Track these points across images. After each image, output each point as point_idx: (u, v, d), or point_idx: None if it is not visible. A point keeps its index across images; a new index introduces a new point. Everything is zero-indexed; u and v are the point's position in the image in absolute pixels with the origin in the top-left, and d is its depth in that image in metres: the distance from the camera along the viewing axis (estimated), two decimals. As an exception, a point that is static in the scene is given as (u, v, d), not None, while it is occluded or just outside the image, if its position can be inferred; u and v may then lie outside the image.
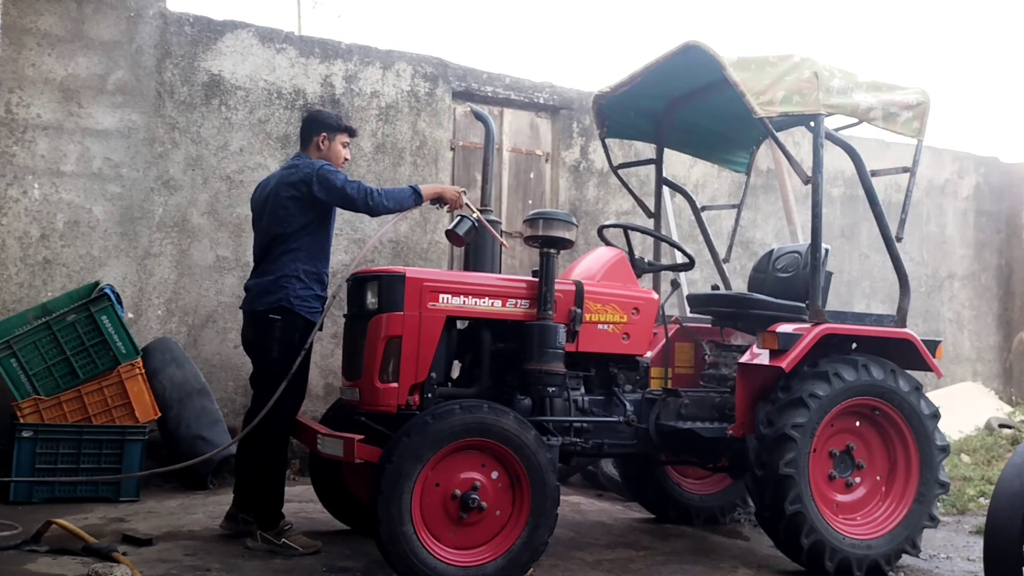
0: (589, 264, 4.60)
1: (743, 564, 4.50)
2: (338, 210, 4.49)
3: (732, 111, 4.94)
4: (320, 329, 4.29)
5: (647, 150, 7.13)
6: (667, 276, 5.74)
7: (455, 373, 4.44)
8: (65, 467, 5.12)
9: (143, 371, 5.38)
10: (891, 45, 22.67)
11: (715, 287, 5.61)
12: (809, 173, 4.52)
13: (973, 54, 22.99)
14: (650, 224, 5.75)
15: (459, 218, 4.34)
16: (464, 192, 4.47)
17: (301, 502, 5.22)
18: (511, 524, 3.78)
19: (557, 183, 7.65)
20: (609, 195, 7.81)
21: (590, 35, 21.87)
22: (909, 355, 4.61)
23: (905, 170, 4.85)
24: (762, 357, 4.45)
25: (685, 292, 5.96)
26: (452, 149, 7.28)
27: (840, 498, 4.48)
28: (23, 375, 5.17)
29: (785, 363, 4.30)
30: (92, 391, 5.26)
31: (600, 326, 4.34)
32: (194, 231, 6.31)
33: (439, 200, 4.43)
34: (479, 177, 5.08)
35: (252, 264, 4.53)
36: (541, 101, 7.58)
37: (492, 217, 4.61)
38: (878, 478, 4.55)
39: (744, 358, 4.57)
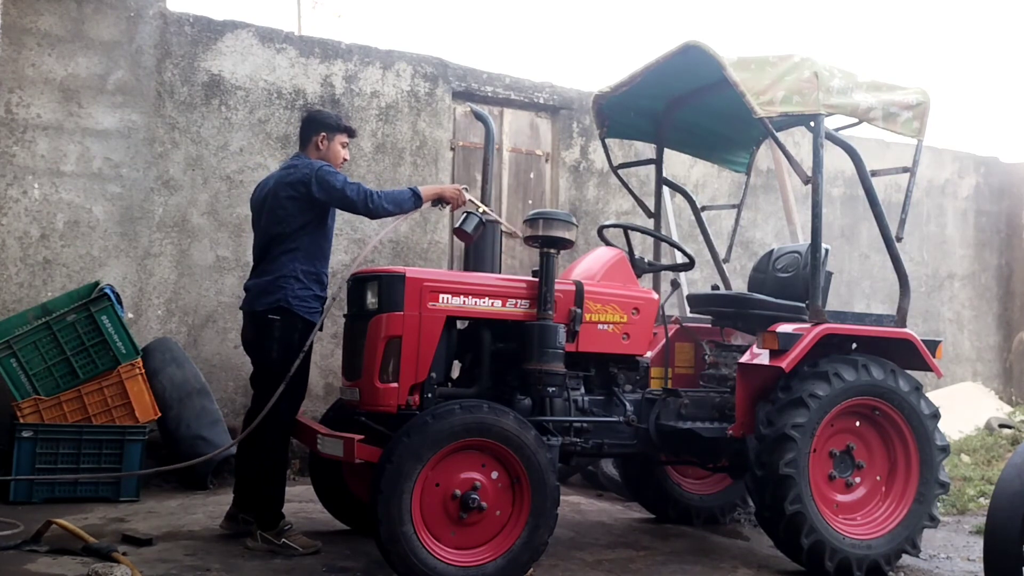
0: (589, 264, 4.60)
1: (743, 564, 4.50)
2: (338, 210, 4.49)
3: (732, 111, 4.95)
4: (320, 329, 4.29)
5: (647, 150, 7.13)
6: (667, 276, 5.74)
7: (455, 373, 4.44)
8: (65, 467, 5.12)
9: (143, 371, 5.38)
10: (891, 45, 22.68)
11: (715, 287, 5.61)
12: (809, 173, 4.52)
13: (973, 54, 23.00)
14: (650, 224, 5.75)
15: (465, 215, 4.33)
16: (466, 189, 4.47)
17: (301, 502, 5.22)
18: (511, 524, 3.78)
19: (557, 183, 7.65)
20: (609, 195, 7.81)
21: (590, 35, 21.88)
22: (909, 355, 4.61)
23: (905, 170, 4.85)
24: (762, 357, 4.45)
25: (685, 292, 5.96)
26: (452, 149, 7.28)
27: (840, 498, 4.48)
28: (23, 375, 5.17)
29: (785, 363, 4.30)
30: (92, 391, 5.26)
31: (600, 326, 4.34)
32: (194, 231, 6.31)
33: (440, 201, 4.43)
34: (479, 177, 5.08)
35: (252, 264, 4.53)
36: (541, 101, 7.58)
37: (504, 221, 4.60)
38: (878, 478, 4.55)
39: (744, 358, 4.57)
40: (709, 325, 5.44)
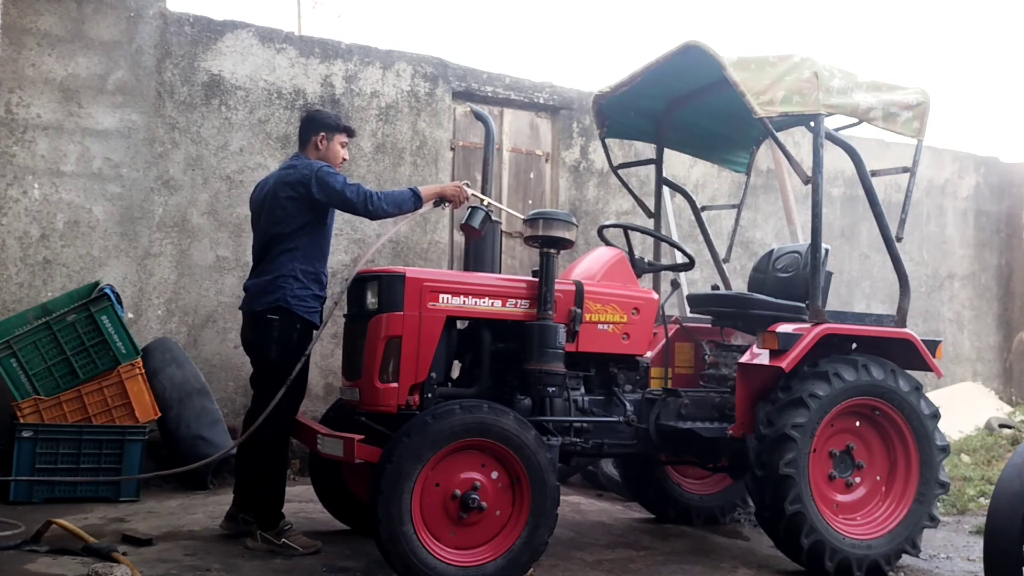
0: (589, 264, 4.60)
1: (743, 564, 4.50)
2: (338, 211, 4.49)
3: (732, 111, 4.95)
4: (318, 330, 4.29)
5: (647, 150, 7.13)
6: (667, 276, 5.74)
7: (455, 373, 4.44)
8: (65, 467, 5.12)
9: (143, 371, 5.38)
10: (891, 45, 22.68)
11: (715, 287, 5.61)
12: (809, 173, 4.51)
13: (973, 54, 23.00)
14: (650, 224, 5.75)
15: (470, 210, 4.32)
16: (468, 184, 4.46)
17: (301, 502, 5.22)
18: (511, 524, 3.78)
19: (557, 183, 7.65)
20: (609, 195, 7.81)
21: (590, 35, 21.88)
22: (909, 355, 4.61)
23: (905, 170, 4.85)
24: (762, 357, 4.45)
25: (685, 292, 5.96)
26: (452, 149, 7.28)
27: (840, 498, 4.48)
28: (23, 375, 5.17)
29: (785, 363, 4.30)
30: (92, 391, 5.26)
31: (600, 326, 4.34)
32: (194, 231, 6.31)
33: (441, 200, 4.42)
34: (479, 177, 5.08)
35: (251, 264, 4.53)
36: (541, 101, 7.58)
37: (495, 217, 4.60)
38: (878, 478, 4.55)
39: (744, 358, 4.57)
40: (709, 325, 5.44)
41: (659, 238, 5.33)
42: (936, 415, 4.55)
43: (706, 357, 5.37)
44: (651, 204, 5.78)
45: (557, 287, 4.18)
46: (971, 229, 9.91)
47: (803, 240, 6.82)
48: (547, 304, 4.09)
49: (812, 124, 4.55)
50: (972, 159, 9.98)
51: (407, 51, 7.08)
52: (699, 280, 7.59)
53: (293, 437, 4.43)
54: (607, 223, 5.03)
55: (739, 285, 6.28)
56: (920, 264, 9.39)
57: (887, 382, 4.42)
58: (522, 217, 4.53)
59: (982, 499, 6.26)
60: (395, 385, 3.91)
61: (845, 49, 21.83)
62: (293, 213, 4.25)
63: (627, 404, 4.51)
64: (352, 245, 6.72)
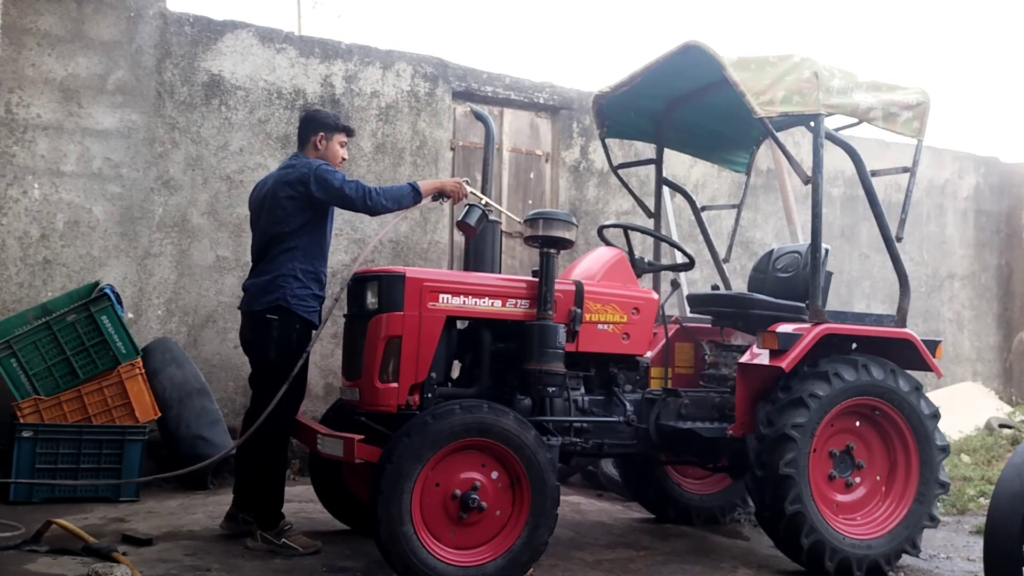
0: (589, 264, 4.60)
1: (743, 564, 4.50)
2: (337, 210, 4.49)
3: (732, 111, 4.95)
4: (317, 329, 4.29)
5: (647, 150, 7.13)
6: (667, 276, 5.74)
7: (455, 373, 4.44)
8: (65, 467, 5.12)
9: (143, 371, 5.38)
10: (891, 45, 22.68)
11: (715, 287, 5.61)
12: (809, 173, 4.51)
13: (973, 54, 23.01)
14: (650, 224, 5.75)
15: (467, 207, 4.32)
16: (467, 181, 4.46)
17: (301, 502, 5.22)
18: (511, 524, 3.78)
19: (557, 183, 7.65)
20: (609, 195, 7.81)
21: (590, 35, 21.88)
22: (909, 355, 4.61)
23: (905, 170, 4.85)
24: (762, 357, 4.45)
25: (685, 292, 5.96)
26: (452, 149, 7.28)
27: (840, 498, 4.48)
28: (23, 375, 5.17)
29: (785, 363, 4.30)
30: (92, 391, 5.26)
31: (600, 326, 4.34)
32: (194, 231, 6.31)
33: (440, 195, 4.42)
34: (479, 177, 5.08)
35: (251, 264, 4.53)
36: (541, 101, 7.58)
37: (492, 217, 4.61)
38: (878, 478, 4.55)
39: (744, 358, 4.57)
40: (709, 325, 5.44)
41: (659, 238, 5.33)
42: (936, 415, 4.55)
43: (706, 357, 5.37)
44: (651, 204, 5.78)
45: (557, 287, 4.18)
46: (971, 229, 9.91)
47: (803, 240, 6.82)
48: (547, 304, 4.09)
49: (812, 124, 4.55)
50: (972, 159, 9.98)
51: (407, 51, 7.08)
52: (699, 280, 7.59)
53: (293, 437, 4.43)
54: (607, 223, 5.03)
55: (739, 285, 6.28)
56: (920, 264, 9.39)
57: (887, 382, 4.42)
58: (517, 219, 4.53)
59: (982, 499, 6.26)
60: (395, 385, 3.91)
61: (845, 49, 21.84)
62: (292, 212, 4.25)
63: (627, 404, 4.51)
64: (352, 245, 6.72)
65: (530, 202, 7.59)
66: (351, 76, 6.84)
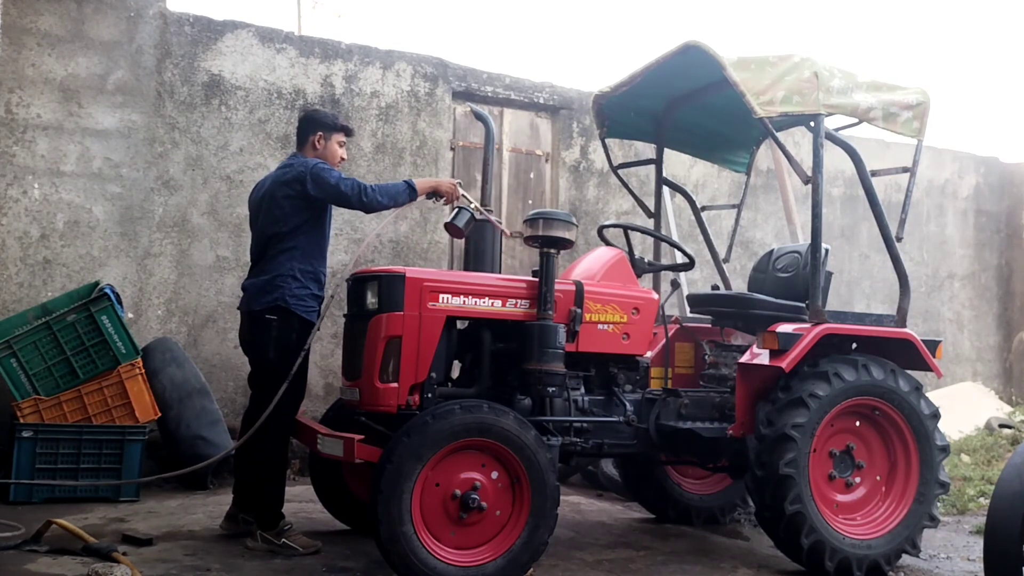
0: (589, 264, 4.60)
1: (743, 564, 4.50)
2: (337, 210, 4.49)
3: (732, 111, 4.95)
4: (318, 329, 4.29)
5: (647, 150, 7.13)
6: (667, 276, 5.74)
7: (455, 373, 4.44)
8: (65, 467, 5.12)
9: (143, 371, 5.38)
10: (891, 45, 22.68)
11: (715, 287, 5.61)
12: (809, 173, 4.51)
13: (973, 54, 23.00)
14: (650, 224, 5.75)
15: (457, 210, 4.34)
16: (460, 183, 4.47)
17: (301, 502, 5.22)
18: (511, 524, 3.78)
19: (557, 183, 7.65)
20: (609, 195, 7.81)
21: (590, 35, 21.88)
22: (909, 355, 4.61)
23: (905, 170, 4.85)
24: (762, 357, 4.45)
25: (685, 292, 5.96)
26: (452, 149, 7.28)
27: (840, 498, 4.48)
28: (23, 375, 5.17)
29: (785, 363, 4.30)
30: (92, 391, 5.26)
31: (600, 326, 4.34)
32: (194, 231, 6.31)
33: (435, 194, 4.43)
34: (479, 177, 5.08)
35: (250, 264, 4.53)
36: (541, 101, 7.58)
37: (494, 218, 4.61)
38: (878, 478, 4.55)
39: (744, 358, 4.57)
40: (709, 325, 5.44)
41: (659, 238, 5.33)
42: (936, 415, 4.55)
43: (706, 357, 5.37)
44: (651, 204, 5.78)
45: (557, 287, 4.18)
46: (971, 229, 9.91)
47: (803, 240, 6.82)
48: (547, 304, 4.09)
49: (812, 124, 4.55)
50: (972, 159, 9.98)
51: (407, 51, 7.08)
52: (699, 280, 7.59)
53: (293, 437, 4.43)
54: (607, 223, 5.03)
55: (739, 285, 6.28)
56: (920, 264, 9.39)
57: (887, 382, 4.42)
58: (503, 228, 4.53)
59: (982, 499, 6.26)
60: (395, 385, 3.91)
61: (845, 49, 21.85)
62: (290, 212, 4.26)
63: (627, 404, 4.51)
64: (352, 245, 6.72)
65: (530, 202, 7.59)
66: (351, 76, 6.84)
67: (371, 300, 4.07)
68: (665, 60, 4.73)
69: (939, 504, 4.69)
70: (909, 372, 4.55)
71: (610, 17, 20.41)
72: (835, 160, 7.41)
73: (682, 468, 5.41)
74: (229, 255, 6.39)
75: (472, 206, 4.35)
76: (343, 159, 4.56)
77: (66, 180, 5.98)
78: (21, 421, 5.09)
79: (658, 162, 5.73)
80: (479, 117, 4.98)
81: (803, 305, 4.66)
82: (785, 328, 4.44)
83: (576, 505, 5.78)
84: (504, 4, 21.73)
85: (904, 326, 4.68)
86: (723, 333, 5.44)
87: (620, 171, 5.66)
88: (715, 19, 20.55)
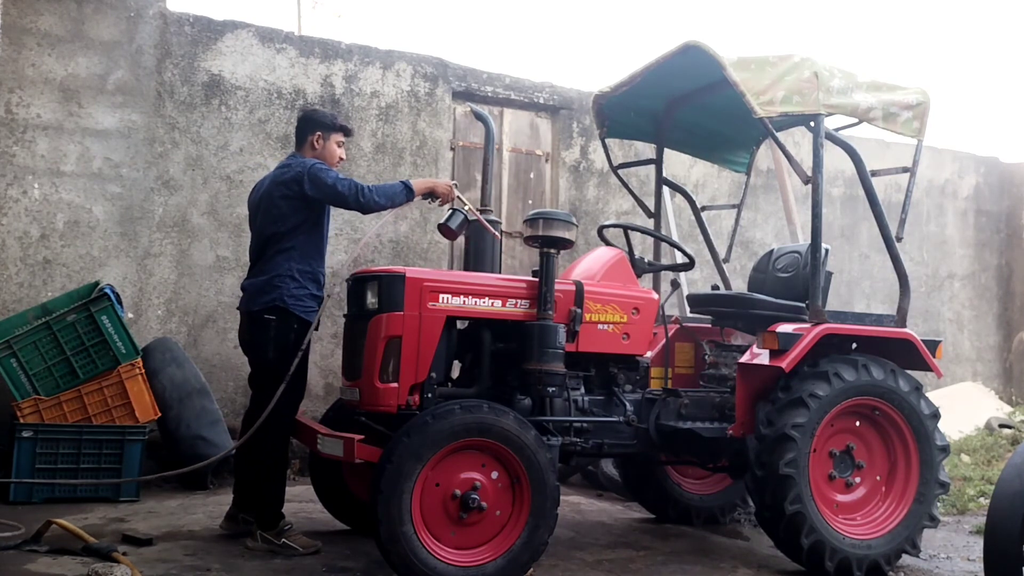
0: (589, 264, 4.60)
1: (743, 564, 4.50)
2: (337, 210, 4.49)
3: (732, 111, 4.94)
4: (316, 329, 4.29)
5: (647, 150, 7.13)
6: (667, 276, 5.74)
7: (455, 373, 4.44)
8: (65, 467, 5.12)
9: (143, 371, 5.38)
10: (891, 45, 22.68)
11: (715, 287, 5.61)
12: (809, 173, 4.51)
13: (973, 54, 23.01)
14: (650, 224, 5.75)
15: (451, 211, 4.35)
16: (455, 185, 4.48)
17: (301, 502, 5.22)
18: (511, 524, 3.78)
19: (557, 183, 7.65)
20: (609, 195, 7.81)
21: (590, 35, 21.88)
22: (909, 355, 4.61)
23: (905, 170, 4.85)
24: (762, 357, 4.45)
25: (685, 292, 5.96)
26: (452, 149, 7.28)
27: (840, 498, 4.48)
28: (23, 375, 5.17)
29: (785, 363, 4.30)
30: (92, 391, 5.26)
31: (600, 326, 4.34)
32: (194, 231, 6.31)
33: (431, 194, 4.43)
34: (479, 177, 5.09)
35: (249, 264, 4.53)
36: (541, 101, 7.58)
37: (492, 217, 4.61)
38: (878, 478, 4.55)
39: (744, 358, 4.57)
40: (709, 325, 5.44)
41: (659, 238, 5.32)
42: (936, 415, 4.55)
43: (706, 357, 5.37)
44: (651, 204, 5.78)
45: (557, 287, 4.18)
46: (971, 229, 9.91)
47: (803, 240, 6.82)
48: (547, 304, 4.09)
49: (812, 124, 4.55)
50: (972, 159, 9.98)
51: (407, 51, 7.08)
52: (699, 280, 7.59)
53: (293, 437, 4.43)
54: (607, 223, 5.03)
55: (739, 285, 6.28)
56: (920, 264, 9.39)
57: (887, 382, 4.42)
58: (494, 231, 4.52)
59: (982, 499, 6.26)
60: (395, 385, 3.91)
61: (845, 49, 21.85)
62: (288, 212, 4.25)
63: (627, 404, 4.51)
64: (352, 245, 6.72)
65: (530, 202, 7.59)
66: (351, 76, 6.84)
67: (371, 300, 4.07)
68: (665, 60, 4.73)
69: (939, 504, 4.69)
70: (909, 372, 4.55)
71: (610, 17, 20.42)
72: (835, 160, 7.41)
73: (682, 468, 5.41)
74: (229, 255, 6.39)
75: (466, 208, 4.36)
76: (342, 159, 4.56)
77: (66, 180, 5.98)
78: (21, 421, 5.09)
79: (658, 162, 5.73)
80: (479, 117, 4.98)
81: (803, 305, 4.66)
82: (785, 328, 4.44)
83: (576, 505, 5.78)
84: (504, 4, 21.74)
85: (904, 326, 4.68)
86: (723, 333, 5.44)
87: (620, 171, 5.66)
88: (715, 19, 20.56)
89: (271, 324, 4.23)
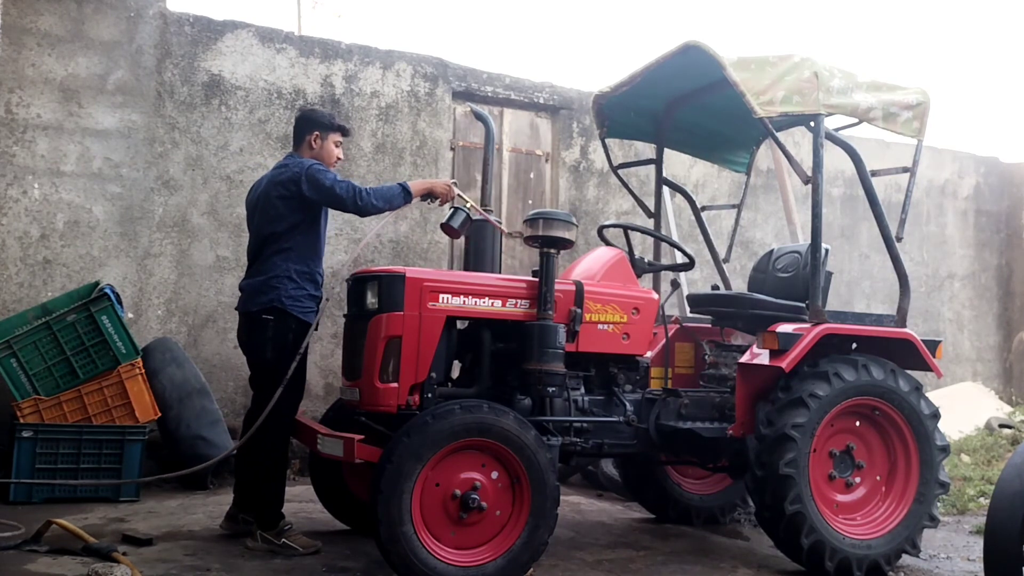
0: (589, 264, 4.60)
1: (743, 564, 4.50)
2: (336, 211, 4.48)
3: (732, 111, 4.94)
4: (316, 329, 4.29)
5: (647, 150, 7.13)
6: (667, 276, 5.74)
7: (455, 373, 4.44)
8: (65, 467, 5.12)
9: (143, 371, 5.38)
10: (891, 45, 22.68)
11: (715, 287, 5.61)
12: (809, 173, 4.51)
13: (973, 54, 23.01)
14: (650, 224, 5.75)
15: (453, 210, 4.35)
16: (455, 183, 4.47)
17: (301, 502, 5.22)
18: (511, 524, 3.78)
19: (557, 183, 7.65)
20: (609, 195, 7.81)
21: (590, 35, 21.88)
22: (909, 355, 4.61)
23: (905, 170, 4.85)
24: (762, 357, 4.45)
25: (685, 292, 5.96)
26: (452, 149, 7.28)
27: (840, 498, 4.48)
28: (23, 375, 5.17)
29: (785, 363, 4.30)
30: (92, 391, 5.26)
31: (600, 326, 4.34)
32: (194, 231, 6.31)
33: (430, 195, 4.42)
34: (479, 177, 5.08)
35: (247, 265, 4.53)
36: (541, 101, 7.58)
37: (492, 217, 4.60)
38: (878, 478, 4.55)
39: (744, 358, 4.57)
40: (709, 325, 5.44)
41: (659, 238, 5.32)
42: (936, 415, 4.55)
43: (706, 357, 5.37)
44: (651, 204, 5.78)
45: (557, 287, 4.18)
46: (971, 229, 9.91)
47: (803, 240, 6.82)
48: (547, 304, 4.09)
49: (812, 124, 4.55)
50: (972, 159, 9.98)
51: (407, 51, 7.08)
52: (699, 280, 7.59)
53: (293, 437, 4.43)
54: (607, 223, 5.03)
55: (739, 285, 6.28)
56: (920, 264, 9.39)
57: (887, 382, 4.42)
58: (502, 227, 4.52)
59: (982, 499, 6.26)
60: (395, 385, 3.91)
61: (845, 49, 21.85)
62: (285, 212, 4.25)
63: (627, 404, 4.51)
64: (352, 245, 6.72)
65: (530, 202, 7.59)
66: (351, 76, 6.84)
67: (371, 300, 4.07)
68: (665, 60, 4.73)
69: (939, 504, 4.69)
70: (909, 372, 4.55)
71: (610, 17, 20.42)
72: (835, 160, 7.41)
73: (682, 468, 5.41)
74: (229, 255, 6.39)
75: (468, 206, 4.35)
76: (339, 159, 4.56)
77: (66, 180, 5.98)
78: (21, 421, 5.09)
79: (658, 162, 5.73)
80: (479, 117, 4.98)
81: (803, 305, 4.66)
82: (785, 328, 4.44)
83: (576, 505, 5.78)
84: (504, 4, 21.74)
85: (904, 326, 4.68)
86: (723, 333, 5.44)
87: (620, 171, 5.66)
88: (715, 19, 20.56)
89: (269, 324, 4.22)
